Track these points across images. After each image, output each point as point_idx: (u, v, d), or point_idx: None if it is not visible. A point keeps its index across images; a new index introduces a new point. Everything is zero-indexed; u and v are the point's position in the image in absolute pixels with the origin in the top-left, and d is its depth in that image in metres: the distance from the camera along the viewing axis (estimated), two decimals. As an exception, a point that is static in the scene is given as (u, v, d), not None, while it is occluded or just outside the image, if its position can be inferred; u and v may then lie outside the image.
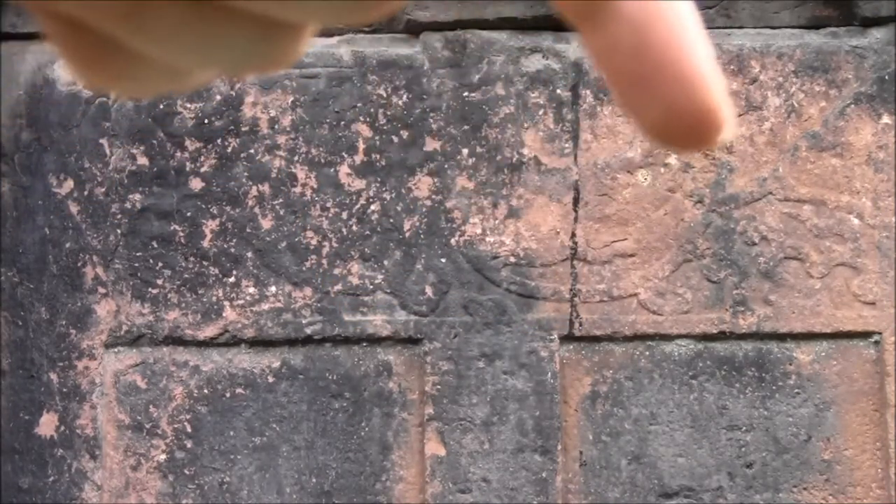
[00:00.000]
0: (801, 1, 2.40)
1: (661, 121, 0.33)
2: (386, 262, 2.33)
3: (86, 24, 0.33)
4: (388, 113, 2.35)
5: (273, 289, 2.33)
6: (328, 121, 2.35)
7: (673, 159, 2.34)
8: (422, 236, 2.33)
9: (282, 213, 2.33)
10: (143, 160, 2.35)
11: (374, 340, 2.32)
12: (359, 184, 2.34)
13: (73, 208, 2.34)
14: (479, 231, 2.33)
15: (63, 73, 2.34)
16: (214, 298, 2.33)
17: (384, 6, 0.33)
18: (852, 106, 2.34)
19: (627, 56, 0.33)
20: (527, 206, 2.33)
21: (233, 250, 2.33)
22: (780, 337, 2.32)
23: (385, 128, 2.35)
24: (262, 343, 2.33)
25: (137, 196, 2.34)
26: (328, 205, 2.34)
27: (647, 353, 2.32)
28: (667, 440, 2.31)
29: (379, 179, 2.34)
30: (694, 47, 0.33)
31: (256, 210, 2.34)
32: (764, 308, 2.31)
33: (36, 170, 2.35)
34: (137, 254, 2.33)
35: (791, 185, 2.33)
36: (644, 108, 0.33)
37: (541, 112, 2.34)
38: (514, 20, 2.36)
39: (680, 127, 0.33)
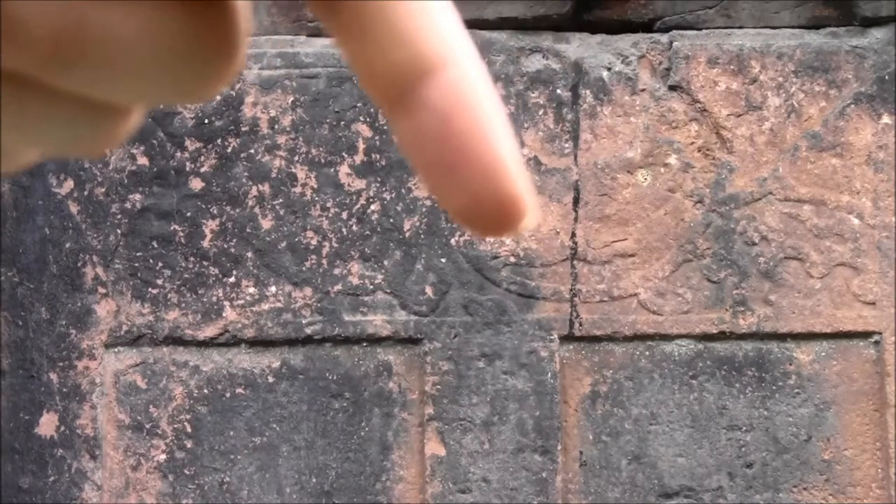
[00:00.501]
0: (801, 1, 2.40)
1: (465, 208, 0.34)
2: (386, 262, 2.33)
3: None
4: (388, 113, 2.35)
5: (273, 289, 2.33)
6: (328, 121, 2.35)
7: (673, 159, 2.34)
8: (422, 236, 2.33)
9: (282, 213, 2.33)
10: (143, 160, 2.35)
11: (374, 340, 2.32)
12: (359, 184, 2.34)
13: (73, 208, 2.34)
14: (479, 231, 2.33)
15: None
16: (214, 298, 2.33)
17: (209, 90, 0.33)
18: (852, 106, 2.34)
19: (433, 144, 0.33)
20: (527, 206, 2.33)
21: (233, 250, 2.33)
22: (780, 337, 2.32)
23: (385, 128, 2.35)
24: (262, 343, 2.33)
25: (137, 196, 2.34)
26: (328, 205, 2.34)
27: (647, 353, 2.32)
28: (667, 440, 2.31)
29: (379, 179, 2.34)
30: (497, 137, 0.34)
31: (256, 210, 2.34)
32: (764, 308, 2.31)
33: (36, 170, 2.35)
34: (137, 254, 2.33)
35: (791, 185, 2.33)
36: (449, 195, 0.34)
37: (541, 112, 2.34)
38: (514, 20, 2.36)
39: (484, 214, 0.34)
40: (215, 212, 2.34)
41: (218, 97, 2.35)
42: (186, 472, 2.31)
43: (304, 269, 2.33)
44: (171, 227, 2.34)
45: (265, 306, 2.32)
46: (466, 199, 0.34)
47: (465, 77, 0.33)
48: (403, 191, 2.34)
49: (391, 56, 0.33)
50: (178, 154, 2.35)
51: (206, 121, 2.35)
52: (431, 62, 0.33)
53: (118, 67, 0.32)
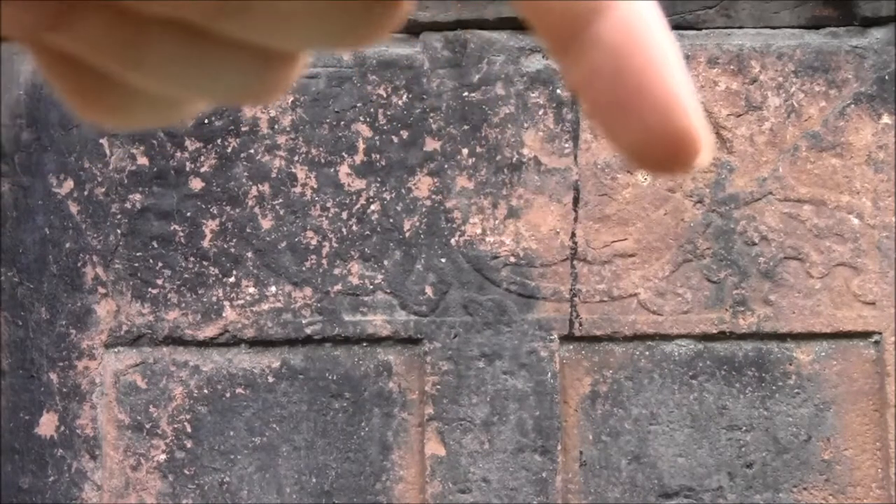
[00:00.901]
0: (801, 1, 2.40)
1: (639, 145, 0.34)
2: (386, 262, 2.33)
3: (80, 59, 0.34)
4: (388, 113, 2.35)
5: (273, 289, 2.33)
6: (328, 121, 2.35)
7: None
8: (422, 236, 2.33)
9: (282, 213, 2.33)
10: (143, 160, 2.35)
11: (374, 340, 2.32)
12: (359, 184, 2.34)
13: (73, 208, 2.34)
14: (479, 231, 2.33)
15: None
16: (214, 298, 2.33)
17: (374, 35, 0.34)
18: (852, 106, 2.34)
19: (606, 82, 0.33)
20: (527, 206, 2.33)
21: (233, 250, 2.33)
22: (780, 337, 2.32)
23: (385, 128, 2.35)
24: (262, 343, 2.33)
25: (137, 196, 2.34)
26: (328, 205, 2.34)
27: (647, 353, 2.32)
28: (667, 440, 2.31)
29: (379, 179, 2.34)
30: (672, 72, 0.34)
31: (256, 210, 2.34)
32: (764, 308, 2.31)
33: (36, 170, 2.35)
34: (137, 254, 2.33)
35: (791, 185, 2.33)
36: (623, 133, 0.34)
37: (541, 112, 2.34)
38: (514, 20, 2.36)
39: (658, 151, 0.34)
40: (215, 212, 2.34)
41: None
42: (186, 472, 2.31)
43: (304, 269, 2.33)
44: (171, 227, 2.34)
45: (265, 306, 2.32)
46: (642, 135, 0.34)
47: (637, 13, 0.33)
48: (403, 191, 2.34)
49: None
50: (178, 154, 2.35)
51: (206, 121, 2.35)
52: (601, 0, 0.33)
53: (284, 14, 0.33)
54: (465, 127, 2.34)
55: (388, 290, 2.32)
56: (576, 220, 2.33)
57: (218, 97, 0.35)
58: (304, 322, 2.32)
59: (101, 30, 0.33)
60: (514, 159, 2.33)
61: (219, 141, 2.34)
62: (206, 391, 2.32)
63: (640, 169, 0.35)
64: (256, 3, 0.32)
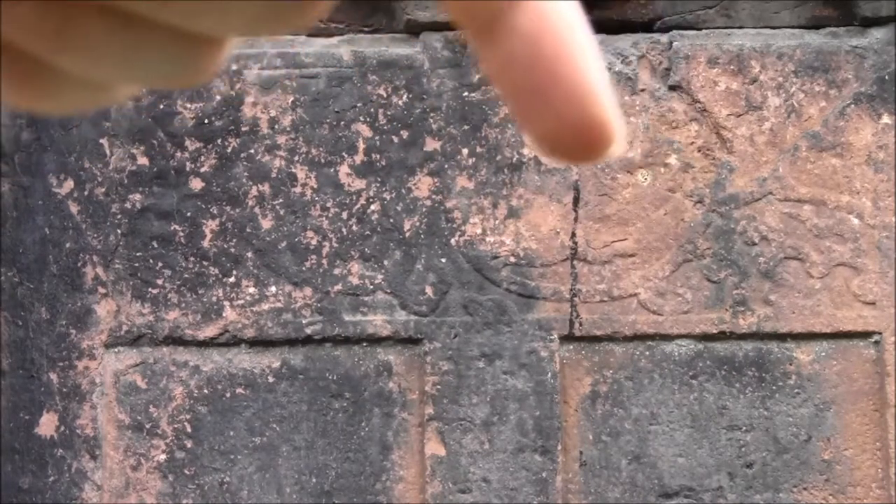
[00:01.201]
0: (801, 1, 2.40)
1: (552, 133, 0.34)
2: (386, 262, 2.33)
3: (8, 43, 0.34)
4: (388, 113, 2.35)
5: (273, 289, 2.33)
6: (328, 121, 2.35)
7: (673, 159, 2.34)
8: (422, 236, 2.33)
9: (282, 213, 2.33)
10: (143, 160, 2.35)
11: (374, 340, 2.32)
12: (359, 184, 2.34)
13: (73, 208, 2.34)
14: (479, 231, 2.33)
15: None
16: (214, 298, 2.33)
17: (303, 16, 0.34)
18: (852, 106, 2.34)
19: (521, 70, 0.33)
20: (527, 206, 2.33)
21: (233, 250, 2.33)
22: (780, 337, 2.32)
23: (385, 128, 2.35)
24: (262, 343, 2.33)
25: (137, 196, 2.34)
26: (328, 205, 2.34)
27: (647, 353, 2.32)
28: (667, 440, 2.31)
29: (379, 179, 2.34)
30: (586, 63, 0.34)
31: (256, 210, 2.34)
32: (764, 308, 2.31)
33: (36, 170, 2.35)
34: (137, 254, 2.33)
35: (791, 185, 2.33)
36: (536, 121, 0.34)
37: (541, 112, 2.34)
38: (514, 20, 2.36)
39: (570, 139, 0.34)
40: (215, 212, 2.34)
41: (217, 97, 2.35)
42: (186, 472, 2.31)
43: (304, 269, 2.33)
44: (171, 227, 2.34)
45: (265, 306, 2.32)
46: (554, 124, 0.34)
47: (554, 4, 0.34)
48: (403, 191, 2.34)
49: None
50: (178, 154, 2.35)
51: (206, 121, 2.35)
52: None
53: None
54: (466, 127, 2.34)
55: (389, 290, 2.32)
56: (576, 220, 2.33)
57: (145, 81, 0.36)
58: (304, 322, 2.32)
59: (28, 14, 0.33)
60: (515, 159, 2.33)
61: (219, 141, 2.34)
62: (206, 391, 2.32)
63: (552, 157, 0.35)
64: None
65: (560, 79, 0.33)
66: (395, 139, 2.34)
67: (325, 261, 2.33)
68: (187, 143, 2.35)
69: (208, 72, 0.36)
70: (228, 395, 2.32)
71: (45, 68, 0.35)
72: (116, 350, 2.33)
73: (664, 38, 2.36)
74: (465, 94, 2.34)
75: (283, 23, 0.34)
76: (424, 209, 2.33)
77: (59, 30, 0.33)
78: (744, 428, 2.31)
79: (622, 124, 0.34)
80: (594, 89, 0.34)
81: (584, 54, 0.34)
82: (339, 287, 2.32)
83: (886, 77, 2.34)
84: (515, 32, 0.33)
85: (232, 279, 2.33)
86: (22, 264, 2.34)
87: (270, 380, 2.32)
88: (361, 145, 2.34)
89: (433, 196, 2.33)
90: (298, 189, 2.34)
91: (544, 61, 0.33)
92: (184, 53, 0.35)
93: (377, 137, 2.34)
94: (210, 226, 2.34)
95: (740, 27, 2.39)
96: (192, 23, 0.34)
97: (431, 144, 2.34)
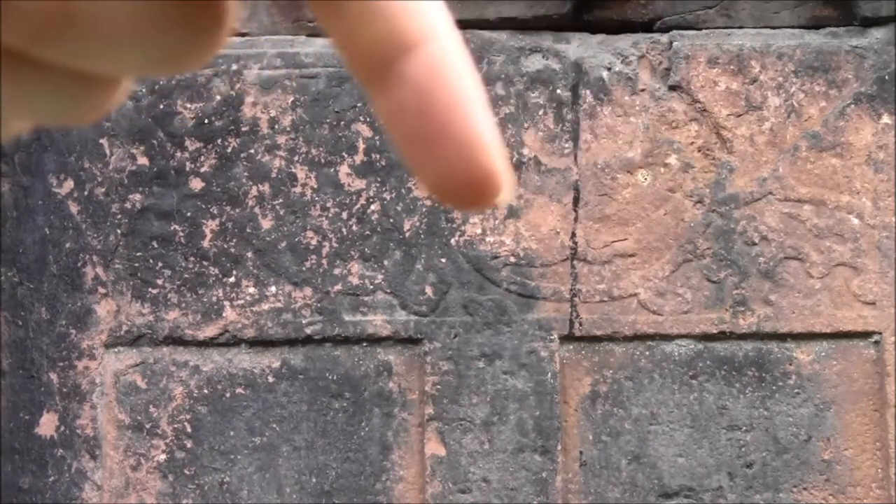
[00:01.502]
0: (801, 1, 2.40)
1: (441, 181, 0.34)
2: (386, 262, 2.33)
3: None
4: (388, 113, 2.34)
5: (273, 289, 2.33)
6: (328, 121, 2.35)
7: (673, 159, 2.34)
8: (422, 236, 2.33)
9: (282, 213, 2.34)
10: (143, 160, 2.35)
11: (374, 340, 2.32)
12: (359, 184, 2.34)
13: (73, 208, 2.34)
14: (479, 231, 2.33)
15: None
16: (214, 298, 2.33)
17: (193, 61, 0.34)
18: (852, 106, 2.34)
19: (411, 118, 0.34)
20: (527, 206, 2.33)
21: (233, 250, 2.33)
22: (780, 337, 2.32)
23: (385, 128, 2.34)
24: (262, 343, 2.33)
25: (137, 196, 2.34)
26: (328, 205, 2.34)
27: (647, 353, 2.32)
28: (667, 440, 2.31)
29: (379, 179, 2.34)
30: (475, 113, 0.34)
31: (256, 210, 2.34)
32: (764, 308, 2.31)
33: (36, 170, 2.35)
34: (137, 254, 2.33)
35: (791, 185, 2.33)
36: (426, 168, 0.34)
37: (541, 112, 2.34)
38: (514, 20, 2.36)
39: (459, 188, 0.34)
40: (215, 212, 2.34)
41: (217, 97, 2.35)
42: (186, 472, 2.31)
43: (304, 269, 2.33)
44: (171, 227, 2.34)
45: (265, 306, 2.32)
46: (443, 173, 0.34)
47: (443, 53, 0.34)
48: (403, 191, 2.34)
49: (372, 31, 0.34)
50: (178, 154, 2.35)
51: (206, 121, 2.35)
52: (411, 38, 0.34)
53: (105, 41, 0.33)
54: (465, 127, 2.34)
55: (389, 290, 2.32)
56: (576, 220, 2.33)
57: (36, 118, 0.35)
58: (304, 322, 2.32)
59: None
60: (514, 159, 2.33)
61: (219, 141, 2.34)
62: (206, 391, 2.32)
63: (444, 203, 0.35)
64: (76, 29, 0.32)
65: (449, 129, 0.34)
66: (395, 139, 2.34)
67: (325, 261, 2.33)
68: (187, 143, 2.35)
69: (103, 110, 0.35)
70: (228, 395, 2.32)
71: None
72: (116, 350, 2.33)
73: (664, 38, 2.36)
74: (465, 94, 2.34)
75: (177, 64, 0.34)
76: (424, 209, 2.33)
77: None
78: (744, 428, 2.31)
79: (509, 174, 0.35)
80: (483, 139, 0.34)
81: (473, 104, 0.34)
82: (339, 287, 2.32)
83: (886, 77, 2.34)
84: (406, 81, 0.34)
85: (232, 279, 2.33)
86: (22, 264, 2.34)
87: (270, 380, 2.33)
88: (361, 145, 2.34)
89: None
90: (298, 189, 2.34)
91: (434, 111, 0.34)
92: (76, 92, 0.34)
93: (377, 137, 2.34)
94: (210, 226, 2.34)
95: (740, 27, 2.39)
96: (84, 64, 0.33)
97: (431, 144, 2.34)
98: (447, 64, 0.34)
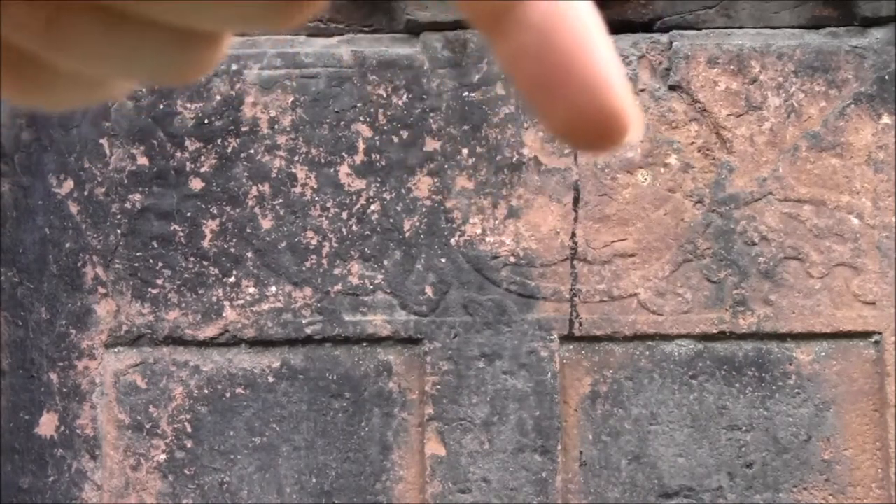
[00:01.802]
0: (801, 1, 2.40)
1: (568, 122, 0.34)
2: (386, 262, 2.33)
3: (1, 39, 0.34)
4: (388, 113, 2.35)
5: (273, 289, 2.33)
6: (328, 121, 2.35)
7: (673, 159, 2.34)
8: (422, 236, 2.33)
9: (282, 213, 2.34)
10: (143, 160, 2.35)
11: (374, 340, 2.32)
12: (359, 184, 2.34)
13: (73, 208, 2.34)
14: (479, 231, 2.33)
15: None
16: (214, 298, 2.33)
17: (299, 12, 0.34)
18: (852, 106, 2.34)
19: (534, 61, 0.34)
20: (527, 206, 2.33)
21: (233, 250, 2.33)
22: (780, 337, 2.32)
23: (385, 128, 2.35)
24: (262, 343, 2.33)
25: (137, 196, 2.34)
26: (328, 205, 2.34)
27: (647, 353, 2.32)
28: (667, 440, 2.31)
29: (379, 179, 2.34)
30: (598, 51, 0.34)
31: (256, 210, 2.34)
32: (764, 308, 2.31)
33: (36, 170, 2.35)
34: (137, 254, 2.33)
35: (791, 185, 2.33)
36: (552, 111, 0.34)
37: (541, 112, 2.34)
38: (514, 20, 2.36)
39: (586, 128, 0.34)
40: (215, 212, 2.34)
41: (217, 97, 2.35)
42: (186, 472, 2.31)
43: (304, 269, 2.33)
44: (171, 227, 2.34)
45: (265, 306, 2.32)
46: (570, 115, 0.34)
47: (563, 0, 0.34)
48: (403, 191, 2.34)
49: None
50: (178, 154, 2.35)
51: (206, 121, 2.35)
52: None
53: None
54: (465, 127, 2.34)
55: (388, 290, 2.32)
56: (576, 220, 2.33)
57: (140, 76, 0.35)
58: (304, 322, 2.32)
59: (21, 10, 0.33)
60: (514, 159, 2.33)
61: (219, 141, 2.35)
62: (206, 391, 2.32)
63: (571, 146, 0.35)
64: None
65: (573, 69, 0.34)
66: (395, 139, 2.34)
67: (325, 261, 2.33)
68: (187, 143, 2.35)
69: (206, 67, 0.35)
70: (228, 395, 2.32)
71: (38, 63, 0.34)
72: (116, 350, 2.33)
73: (664, 38, 2.36)
74: (465, 94, 2.34)
75: (281, 19, 0.34)
76: (424, 209, 2.33)
77: (49, 27, 0.33)
78: (744, 428, 2.31)
79: (638, 113, 0.35)
80: (608, 79, 0.34)
81: (596, 44, 0.34)
82: (339, 287, 2.32)
83: (886, 77, 2.34)
84: (526, 25, 0.33)
85: (232, 279, 2.33)
86: (22, 264, 2.34)
87: (270, 380, 2.33)
88: (361, 145, 2.34)
89: (433, 196, 2.33)
90: (298, 189, 2.34)
91: (557, 53, 0.33)
92: (180, 49, 0.34)
93: (377, 137, 2.34)
94: (210, 226, 2.34)
95: (740, 27, 2.39)
96: (186, 20, 0.33)
97: (431, 144, 2.34)
98: (567, 5, 0.34)
